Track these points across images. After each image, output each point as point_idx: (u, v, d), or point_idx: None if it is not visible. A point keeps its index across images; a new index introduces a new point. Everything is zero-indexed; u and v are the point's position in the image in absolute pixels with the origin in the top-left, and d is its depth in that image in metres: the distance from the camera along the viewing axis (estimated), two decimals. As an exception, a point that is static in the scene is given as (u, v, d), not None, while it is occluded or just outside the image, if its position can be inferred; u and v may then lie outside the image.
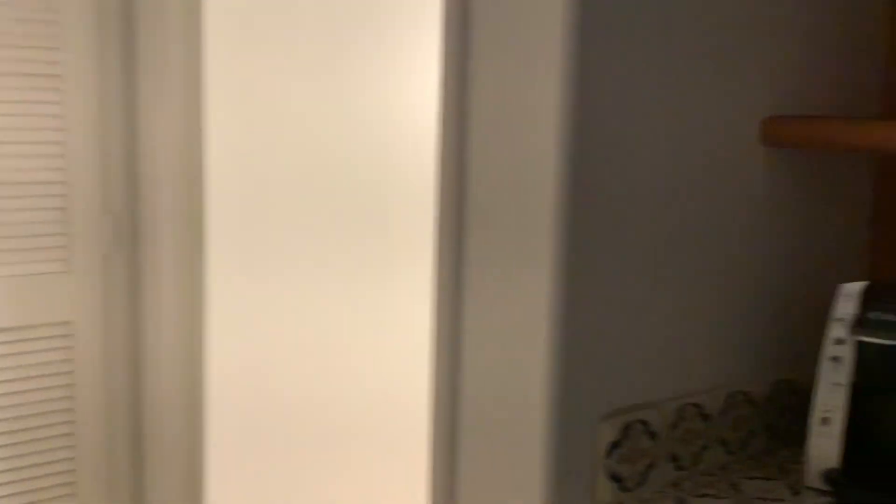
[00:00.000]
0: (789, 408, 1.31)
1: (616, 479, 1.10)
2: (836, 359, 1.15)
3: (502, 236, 1.07)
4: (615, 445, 1.09)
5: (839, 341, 1.15)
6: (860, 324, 1.10)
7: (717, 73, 1.15)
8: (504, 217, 1.06)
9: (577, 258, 1.03)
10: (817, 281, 1.35)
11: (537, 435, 1.06)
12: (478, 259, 1.09)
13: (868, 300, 1.10)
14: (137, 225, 1.80)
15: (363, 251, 1.30)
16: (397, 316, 1.26)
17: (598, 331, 1.07)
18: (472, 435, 1.12)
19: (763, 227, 1.25)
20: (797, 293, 1.32)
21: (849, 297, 1.15)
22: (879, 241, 1.40)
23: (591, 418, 1.08)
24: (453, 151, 1.08)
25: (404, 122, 1.20)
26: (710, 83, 1.14)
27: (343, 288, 1.32)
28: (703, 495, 1.14)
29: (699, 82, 1.13)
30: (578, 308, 1.05)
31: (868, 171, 1.40)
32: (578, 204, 1.02)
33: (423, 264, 1.15)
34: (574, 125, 1.00)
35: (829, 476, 1.13)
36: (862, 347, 1.10)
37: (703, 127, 1.15)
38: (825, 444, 1.14)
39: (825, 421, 1.15)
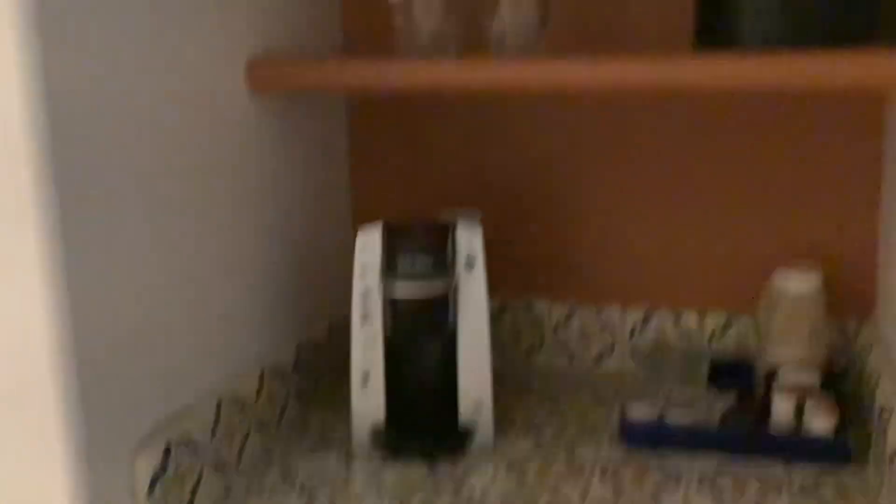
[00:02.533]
0: (314, 369, 1.24)
1: (164, 514, 0.91)
2: (366, 314, 1.09)
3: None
4: (157, 477, 0.90)
5: (367, 294, 1.09)
6: (389, 275, 1.04)
7: (197, 17, 0.97)
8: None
9: (68, 238, 0.80)
10: (319, 230, 1.28)
11: (60, 483, 0.81)
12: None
13: (390, 248, 1.05)
14: None
15: None
16: None
17: (106, 337, 0.85)
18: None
19: (260, 181, 1.12)
20: (303, 246, 1.23)
21: (367, 245, 1.09)
22: (357, 182, 1.38)
23: (122, 453, 0.87)
24: None
25: None
26: (190, 27, 0.96)
27: None
28: (258, 493, 1.01)
29: (178, 28, 0.94)
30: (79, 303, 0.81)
31: (345, 113, 1.36)
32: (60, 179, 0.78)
33: None
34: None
35: (377, 435, 1.09)
36: (389, 301, 1.06)
37: (185, 76, 0.96)
38: (368, 404, 1.09)
39: (365, 380, 1.09)
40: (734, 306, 1.27)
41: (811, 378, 1.12)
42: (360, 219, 1.38)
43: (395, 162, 1.36)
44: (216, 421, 1.00)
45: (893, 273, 1.10)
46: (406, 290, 1.04)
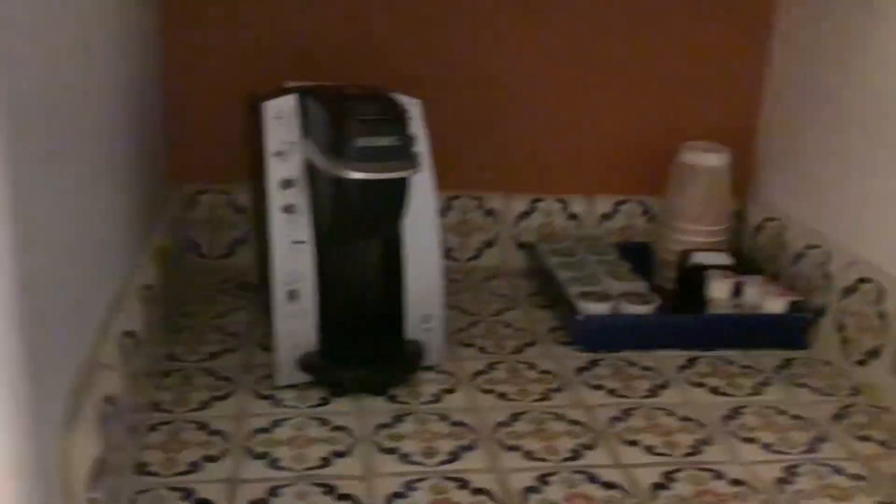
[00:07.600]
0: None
1: None
2: (290, 208, 0.82)
3: None
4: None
5: (288, 183, 0.82)
6: (339, 155, 0.78)
7: None
8: None
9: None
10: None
11: None
12: None
13: (336, 121, 0.78)
14: None
15: None
16: None
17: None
18: None
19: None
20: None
21: (283, 114, 0.81)
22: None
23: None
24: None
25: None
26: None
27: None
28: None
29: None
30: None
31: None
32: None
33: None
34: None
35: (307, 362, 0.84)
36: (338, 186, 0.80)
37: None
38: (296, 326, 0.83)
39: (292, 295, 0.83)
40: (621, 190, 1.19)
41: (723, 258, 1.08)
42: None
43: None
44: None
45: (774, 151, 1.08)
46: (366, 173, 0.78)
